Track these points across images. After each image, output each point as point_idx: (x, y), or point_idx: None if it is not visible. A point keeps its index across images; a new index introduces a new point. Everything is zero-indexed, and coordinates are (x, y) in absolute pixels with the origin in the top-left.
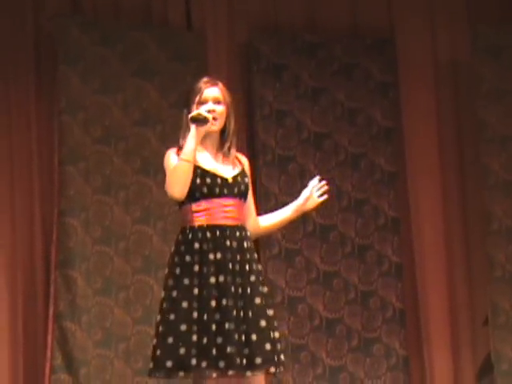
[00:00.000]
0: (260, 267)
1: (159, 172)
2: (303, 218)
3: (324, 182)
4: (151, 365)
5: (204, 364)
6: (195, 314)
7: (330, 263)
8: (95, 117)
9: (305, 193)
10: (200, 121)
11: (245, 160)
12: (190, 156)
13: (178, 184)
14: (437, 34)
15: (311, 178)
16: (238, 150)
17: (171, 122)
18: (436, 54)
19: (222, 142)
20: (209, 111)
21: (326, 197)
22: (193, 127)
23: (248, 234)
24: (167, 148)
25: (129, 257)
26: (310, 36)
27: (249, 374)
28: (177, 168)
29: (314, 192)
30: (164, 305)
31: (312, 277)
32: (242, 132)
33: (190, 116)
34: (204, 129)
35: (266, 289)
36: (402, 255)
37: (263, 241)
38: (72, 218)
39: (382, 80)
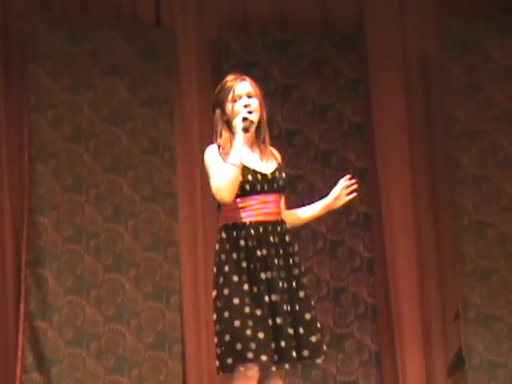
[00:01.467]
0: (299, 260)
1: (129, 169)
2: None
3: (353, 181)
4: (216, 363)
5: (264, 358)
6: (247, 309)
7: (302, 260)
8: (65, 115)
9: (334, 191)
10: (249, 126)
11: (278, 154)
12: (239, 161)
13: (228, 189)
14: (406, 29)
15: None
16: (271, 143)
17: (142, 119)
18: (405, 49)
19: (257, 136)
20: (245, 106)
21: (354, 195)
22: (242, 134)
23: (288, 227)
24: (137, 145)
25: (100, 255)
26: (280, 32)
27: (299, 365)
28: (227, 173)
29: (343, 191)
30: (218, 303)
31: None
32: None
33: (242, 127)
34: (251, 132)
35: (305, 280)
36: (373, 251)
37: None
38: (42, 217)
39: (352, 76)
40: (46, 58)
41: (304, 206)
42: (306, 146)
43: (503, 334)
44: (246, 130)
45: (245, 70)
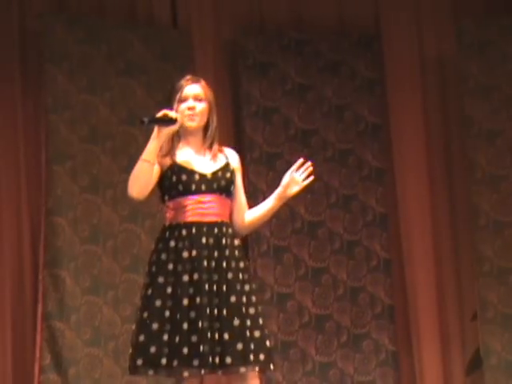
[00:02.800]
0: (243, 264)
1: None
2: (291, 214)
3: (308, 164)
4: (128, 363)
5: (175, 363)
6: (167, 313)
7: (319, 260)
8: (82, 116)
9: (284, 179)
10: (164, 121)
11: (233, 154)
12: (150, 156)
13: (135, 184)
14: (422, 30)
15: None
16: (226, 145)
17: None
18: (422, 50)
19: (205, 139)
20: (189, 108)
21: (311, 179)
22: (156, 128)
23: (230, 230)
24: None
25: (117, 255)
26: (296, 33)
27: (220, 373)
28: (136, 168)
29: (296, 176)
30: (141, 303)
31: (301, 273)
32: (229, 129)
33: (149, 117)
34: (170, 129)
35: (248, 287)
36: (390, 251)
37: (251, 238)
38: (59, 217)
39: (369, 76)
40: (62, 59)
41: (321, 205)
42: (322, 146)
43: None
44: (158, 120)
45: (261, 70)
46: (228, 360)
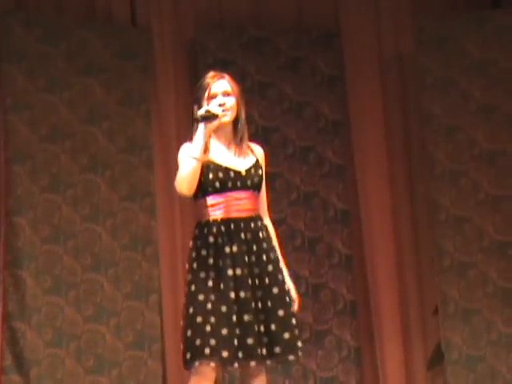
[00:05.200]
0: (278, 255)
1: (107, 169)
2: None
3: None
4: (185, 359)
5: (225, 354)
6: (209, 306)
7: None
8: (41, 115)
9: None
10: (209, 118)
11: (259, 150)
12: (198, 153)
13: (186, 181)
14: (381, 27)
15: None
16: (250, 140)
17: (118, 118)
18: (381, 46)
19: (235, 133)
20: (220, 105)
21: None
22: (201, 125)
23: (264, 223)
24: (114, 144)
25: (78, 255)
26: (256, 31)
27: (269, 362)
28: (185, 166)
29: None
30: (185, 300)
31: None
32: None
33: (198, 114)
34: (213, 125)
35: (284, 277)
36: (351, 247)
37: None
38: (20, 218)
39: (329, 74)
40: (20, 58)
41: (282, 202)
42: (283, 143)
43: (481, 328)
44: (203, 118)
45: (221, 68)
46: (277, 350)
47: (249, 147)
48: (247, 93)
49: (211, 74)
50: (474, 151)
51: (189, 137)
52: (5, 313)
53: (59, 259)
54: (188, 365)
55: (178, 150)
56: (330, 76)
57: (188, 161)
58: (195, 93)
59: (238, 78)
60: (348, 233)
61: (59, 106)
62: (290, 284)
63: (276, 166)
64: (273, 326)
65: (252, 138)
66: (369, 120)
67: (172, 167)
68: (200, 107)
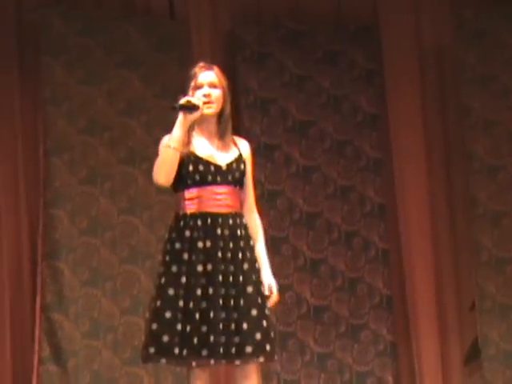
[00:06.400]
0: (256, 254)
1: (144, 161)
2: (290, 205)
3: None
4: (140, 352)
5: (185, 352)
6: (181, 302)
7: (317, 250)
8: (80, 107)
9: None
10: (189, 108)
11: (245, 144)
12: (175, 143)
13: (162, 171)
14: (420, 20)
15: (297, 166)
16: (235, 134)
17: (156, 111)
18: (420, 40)
19: (218, 127)
20: (204, 95)
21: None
22: (180, 115)
23: (243, 221)
24: (152, 137)
25: (115, 247)
26: (294, 24)
27: (238, 362)
28: (161, 155)
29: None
30: (154, 291)
31: (299, 264)
32: None
33: (178, 103)
34: (194, 116)
35: (260, 277)
36: (388, 241)
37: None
38: (58, 210)
39: (367, 67)
40: (60, 51)
41: (319, 196)
42: (320, 137)
43: None
44: (182, 107)
45: (259, 61)
46: (248, 349)
47: (233, 141)
48: (285, 86)
49: (200, 64)
50: None
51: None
52: (43, 304)
53: (96, 251)
54: (150, 359)
55: None
56: (368, 70)
57: (165, 150)
58: (183, 82)
59: (276, 71)
60: (385, 227)
61: (98, 99)
62: (271, 280)
63: (313, 160)
64: (245, 326)
65: (287, 133)
66: (407, 114)
67: None
68: (185, 96)
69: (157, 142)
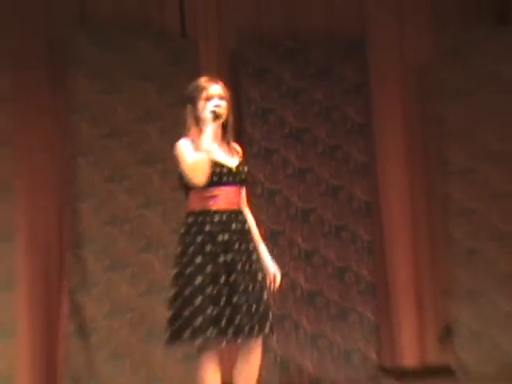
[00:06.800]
0: (257, 245)
1: (158, 162)
2: (286, 202)
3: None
4: (168, 335)
5: (214, 333)
6: (208, 289)
7: (310, 242)
8: (102, 114)
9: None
10: (217, 117)
11: (239, 149)
12: (209, 148)
13: (200, 173)
14: (404, 38)
15: (293, 167)
16: (238, 139)
17: (169, 118)
18: (403, 56)
19: (223, 134)
20: (216, 106)
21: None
22: (213, 123)
23: (245, 216)
24: (165, 141)
25: (133, 237)
26: (291, 42)
27: (259, 340)
28: (197, 159)
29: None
30: (179, 280)
31: (294, 254)
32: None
33: (210, 114)
34: (219, 123)
35: (262, 265)
36: (373, 234)
37: None
38: (82, 204)
39: (355, 81)
40: (84, 64)
41: (312, 194)
42: (313, 142)
43: (486, 307)
44: (215, 118)
45: (260, 76)
46: (266, 329)
47: (234, 146)
48: (282, 98)
49: (206, 77)
50: (486, 151)
51: (184, 133)
52: (69, 287)
53: (116, 241)
54: (183, 342)
55: None
56: (356, 83)
57: (200, 155)
58: (190, 93)
59: (274, 84)
60: (370, 222)
61: (118, 107)
62: (275, 268)
63: (307, 162)
64: (261, 308)
65: (284, 138)
66: (390, 123)
67: None
68: (195, 106)
69: (170, 145)
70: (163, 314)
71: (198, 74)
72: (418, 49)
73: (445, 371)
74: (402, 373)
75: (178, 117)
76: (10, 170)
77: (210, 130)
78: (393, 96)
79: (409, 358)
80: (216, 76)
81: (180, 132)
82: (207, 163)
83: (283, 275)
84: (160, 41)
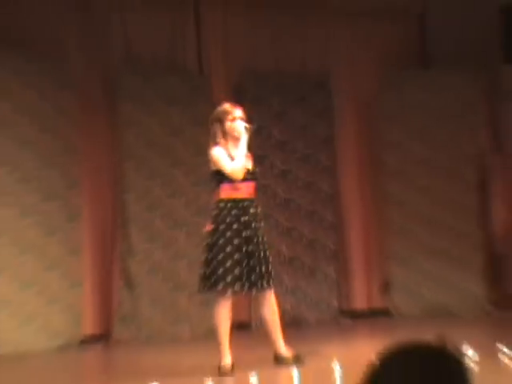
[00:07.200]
0: (262, 224)
1: (183, 165)
2: (273, 194)
3: None
4: (206, 286)
5: (239, 287)
6: (236, 256)
7: (290, 222)
8: (142, 131)
9: None
10: (248, 131)
11: (250, 157)
12: (245, 152)
13: (241, 171)
14: (357, 77)
15: (278, 169)
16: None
17: (190, 134)
18: (357, 91)
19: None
20: (240, 125)
21: None
22: (246, 136)
23: (258, 204)
24: (188, 152)
25: (164, 220)
26: (277, 77)
27: (268, 290)
28: (240, 161)
29: None
30: (213, 248)
31: (279, 231)
32: None
33: (247, 129)
34: (248, 135)
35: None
36: (335, 217)
37: None
38: (128, 196)
39: (323, 106)
40: (129, 93)
41: (292, 188)
42: (293, 150)
43: (414, 268)
44: (246, 131)
45: (256, 102)
46: (271, 282)
47: (248, 154)
48: (272, 117)
49: (229, 104)
50: (414, 157)
51: (213, 142)
52: (119, 254)
53: (151, 222)
54: (218, 292)
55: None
56: (324, 107)
57: (240, 158)
58: (218, 114)
59: (266, 108)
60: (333, 208)
61: (152, 125)
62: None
63: (288, 165)
64: (269, 268)
65: (270, 148)
66: (347, 137)
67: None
68: (222, 125)
69: (192, 155)
70: (185, 273)
71: (211, 101)
72: (367, 84)
73: (385, 313)
74: (354, 314)
75: (196, 133)
76: (76, 170)
77: (245, 139)
78: (351, 118)
79: (360, 303)
80: (227, 101)
81: (197, 142)
82: (244, 166)
83: (271, 245)
84: (183, 76)
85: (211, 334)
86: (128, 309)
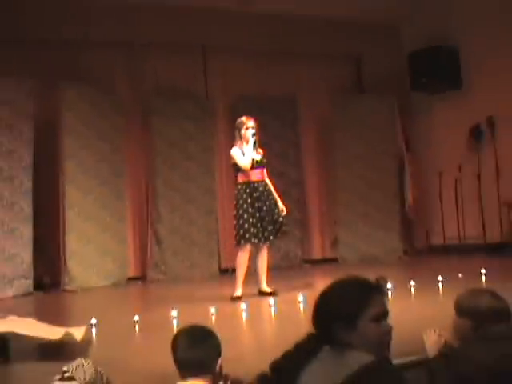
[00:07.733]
0: (275, 197)
1: (199, 165)
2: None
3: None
4: (236, 242)
5: (256, 241)
6: (252, 220)
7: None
8: (168, 141)
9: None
10: (254, 137)
11: (261, 151)
12: (251, 152)
13: (249, 165)
14: (316, 99)
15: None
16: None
17: (200, 146)
18: (315, 110)
19: (255, 144)
20: (253, 134)
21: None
22: (252, 140)
23: (267, 184)
24: (199, 157)
25: (182, 198)
26: (264, 100)
27: (266, 245)
28: (248, 158)
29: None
30: (238, 216)
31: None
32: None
33: (253, 135)
34: (255, 139)
35: (279, 205)
36: (300, 195)
37: None
38: (157, 180)
39: (290, 122)
40: (158, 115)
41: (270, 177)
42: (271, 149)
43: (355, 229)
44: (253, 137)
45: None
46: (278, 235)
47: (257, 150)
48: (260, 126)
49: (246, 116)
50: (355, 155)
51: (235, 143)
52: (151, 220)
53: (174, 199)
54: (241, 244)
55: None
56: (292, 121)
57: (248, 156)
58: (238, 124)
59: (258, 125)
60: (299, 191)
61: (174, 133)
62: (281, 204)
63: (268, 160)
64: (277, 226)
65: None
66: (309, 142)
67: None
68: (240, 131)
69: (201, 152)
70: (196, 234)
71: (214, 117)
72: (323, 103)
73: (334, 261)
74: (313, 261)
75: (204, 145)
76: (122, 164)
77: (251, 143)
78: (310, 128)
79: (317, 253)
80: (223, 120)
81: (205, 144)
82: (250, 161)
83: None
84: (195, 100)
85: (215, 278)
86: (157, 258)
